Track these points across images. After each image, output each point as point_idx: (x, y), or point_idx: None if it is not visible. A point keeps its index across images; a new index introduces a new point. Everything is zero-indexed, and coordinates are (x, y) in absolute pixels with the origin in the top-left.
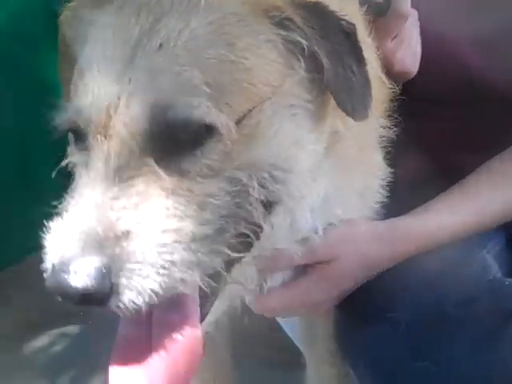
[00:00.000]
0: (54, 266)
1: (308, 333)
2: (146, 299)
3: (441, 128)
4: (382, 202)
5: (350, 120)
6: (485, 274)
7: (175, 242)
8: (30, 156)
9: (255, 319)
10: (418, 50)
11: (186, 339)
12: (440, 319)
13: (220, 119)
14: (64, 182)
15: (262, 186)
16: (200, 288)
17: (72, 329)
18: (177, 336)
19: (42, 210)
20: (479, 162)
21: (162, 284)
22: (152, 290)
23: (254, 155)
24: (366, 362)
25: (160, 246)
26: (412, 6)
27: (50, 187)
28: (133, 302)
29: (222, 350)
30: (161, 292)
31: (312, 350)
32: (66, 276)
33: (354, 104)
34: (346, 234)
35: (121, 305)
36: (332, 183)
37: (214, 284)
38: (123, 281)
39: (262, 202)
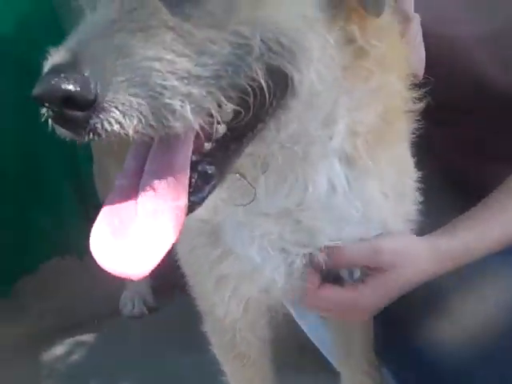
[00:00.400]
0: (43, 74)
1: (343, 346)
2: (133, 121)
3: (453, 134)
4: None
5: (370, 35)
6: None
7: (168, 72)
8: (43, 166)
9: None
10: (423, 53)
11: (169, 209)
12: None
13: None
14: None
15: (266, 45)
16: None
17: (87, 337)
18: (162, 205)
19: (55, 218)
20: (492, 169)
21: (151, 105)
22: (139, 111)
23: (259, 12)
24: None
25: (153, 70)
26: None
27: (62, 196)
28: (117, 120)
29: (261, 359)
30: (149, 117)
31: (347, 363)
32: (53, 80)
33: None
34: (410, 246)
35: (104, 121)
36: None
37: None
38: (110, 94)
39: (266, 65)
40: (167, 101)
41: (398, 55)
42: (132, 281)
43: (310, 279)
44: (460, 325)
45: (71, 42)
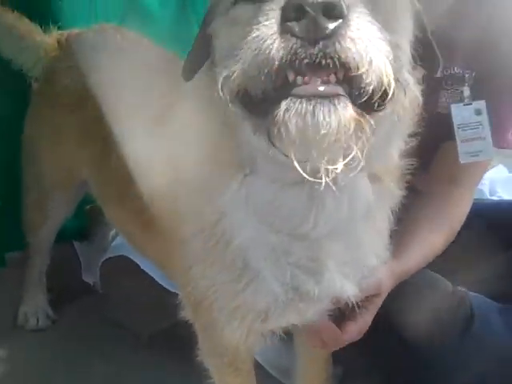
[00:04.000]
0: None
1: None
2: (364, 55)
3: None
4: None
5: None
6: None
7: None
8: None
9: None
10: None
11: None
12: None
13: None
14: None
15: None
16: None
17: None
18: None
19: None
20: None
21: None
22: (369, 57)
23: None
24: None
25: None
26: None
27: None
28: (349, 48)
29: (250, 367)
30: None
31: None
32: None
33: None
34: (393, 272)
35: (347, 38)
36: None
37: None
38: (352, 24)
39: None
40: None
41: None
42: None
43: (325, 323)
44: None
45: None
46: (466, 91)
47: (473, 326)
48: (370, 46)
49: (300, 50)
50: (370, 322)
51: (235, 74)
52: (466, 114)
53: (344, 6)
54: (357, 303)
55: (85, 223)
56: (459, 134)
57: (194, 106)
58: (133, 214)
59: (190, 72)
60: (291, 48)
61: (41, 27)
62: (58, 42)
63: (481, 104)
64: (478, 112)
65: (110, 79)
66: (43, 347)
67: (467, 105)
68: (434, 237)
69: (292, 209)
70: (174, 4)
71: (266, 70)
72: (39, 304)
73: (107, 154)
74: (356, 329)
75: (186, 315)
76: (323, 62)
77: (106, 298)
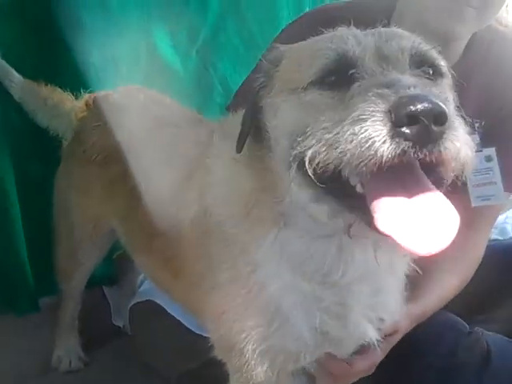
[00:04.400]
0: (408, 97)
1: None
2: (459, 152)
3: None
4: None
5: None
6: None
7: None
8: None
9: None
10: None
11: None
12: None
13: None
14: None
15: None
16: None
17: None
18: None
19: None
20: None
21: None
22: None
23: None
24: None
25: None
26: None
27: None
28: (448, 148)
29: None
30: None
31: None
32: (430, 102)
33: None
34: (411, 313)
35: (450, 138)
36: None
37: None
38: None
39: None
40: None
41: None
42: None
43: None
44: None
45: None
46: (476, 139)
47: (490, 363)
48: (463, 143)
49: (411, 151)
50: (380, 359)
51: (320, 155)
52: (476, 161)
53: (447, 112)
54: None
55: (113, 269)
56: (471, 180)
57: (228, 163)
58: (161, 262)
59: (242, 144)
60: (402, 150)
61: (72, 94)
62: (86, 104)
63: (491, 151)
64: (489, 159)
65: (133, 136)
66: None
67: (478, 151)
68: (451, 279)
69: (323, 259)
70: (195, 64)
71: (366, 163)
72: (71, 347)
73: (134, 206)
74: (365, 364)
75: (218, 355)
76: (427, 160)
77: (135, 340)
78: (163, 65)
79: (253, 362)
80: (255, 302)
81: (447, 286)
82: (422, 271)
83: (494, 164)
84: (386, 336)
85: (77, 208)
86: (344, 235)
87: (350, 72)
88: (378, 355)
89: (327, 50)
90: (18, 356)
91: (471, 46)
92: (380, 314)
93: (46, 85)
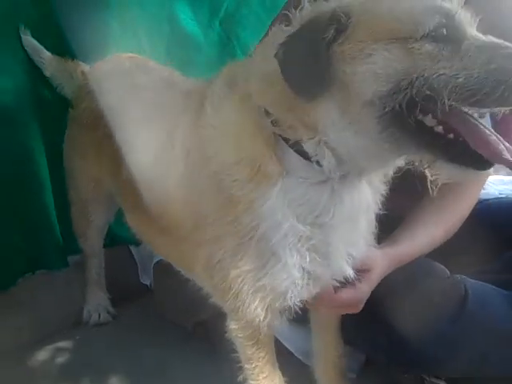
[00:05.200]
0: None
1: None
2: None
3: None
4: None
5: None
6: None
7: None
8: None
9: None
10: None
11: None
12: None
13: None
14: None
15: None
16: None
17: (64, 344)
18: None
19: (29, 234)
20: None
21: None
22: None
23: None
24: None
25: None
26: None
27: (34, 213)
28: None
29: (270, 341)
30: None
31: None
32: None
33: None
34: (375, 253)
35: None
36: None
37: None
38: None
39: None
40: None
41: None
42: (94, 294)
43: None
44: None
45: None
46: None
47: (465, 307)
48: None
49: None
50: (365, 294)
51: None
52: None
53: None
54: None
55: None
56: None
57: (232, 118)
58: (149, 219)
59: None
60: None
61: None
62: (82, 73)
63: None
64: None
65: (117, 101)
66: (105, 338)
67: None
68: (435, 229)
69: (317, 202)
70: (218, 35)
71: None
72: (100, 301)
73: (120, 165)
74: (351, 294)
75: (215, 301)
76: None
77: (156, 295)
78: (185, 37)
79: (247, 301)
80: (255, 251)
81: (431, 235)
82: (407, 219)
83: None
84: (360, 272)
85: (78, 170)
86: (336, 181)
87: (455, 29)
88: (363, 289)
89: (436, 9)
90: (49, 310)
91: None
92: (351, 250)
93: (72, 60)
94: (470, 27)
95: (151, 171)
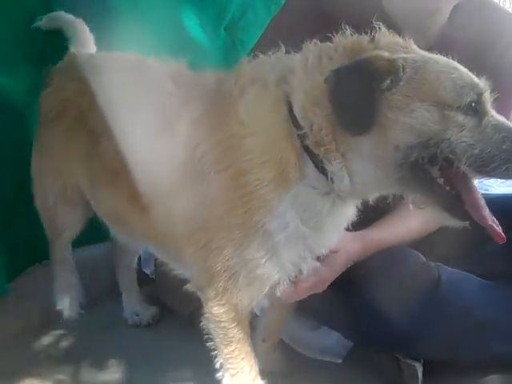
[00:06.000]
0: None
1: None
2: None
3: None
4: None
5: None
6: None
7: None
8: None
9: None
10: None
11: None
12: None
13: None
14: None
15: None
16: None
17: (69, 330)
18: None
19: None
20: None
21: None
22: None
23: None
24: None
25: None
26: None
27: None
28: None
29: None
30: None
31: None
32: None
33: None
34: (361, 237)
35: None
36: None
37: None
38: None
39: None
40: None
41: None
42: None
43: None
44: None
45: None
46: None
47: (437, 292)
48: None
49: None
50: (328, 276)
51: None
52: None
53: None
54: None
55: None
56: None
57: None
58: (126, 198)
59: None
60: None
61: None
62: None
63: None
64: None
65: (120, 89)
66: (105, 325)
67: None
68: (412, 220)
69: (321, 209)
70: (223, 40)
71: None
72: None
73: (94, 146)
74: (312, 280)
75: (194, 286)
76: None
77: (157, 284)
78: (191, 42)
79: (241, 286)
80: (258, 244)
81: (409, 226)
82: (389, 208)
83: None
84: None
85: (44, 169)
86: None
87: (481, 106)
88: (322, 273)
89: (473, 85)
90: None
91: (455, 11)
92: (326, 251)
93: None
94: (490, 105)
95: (151, 152)
